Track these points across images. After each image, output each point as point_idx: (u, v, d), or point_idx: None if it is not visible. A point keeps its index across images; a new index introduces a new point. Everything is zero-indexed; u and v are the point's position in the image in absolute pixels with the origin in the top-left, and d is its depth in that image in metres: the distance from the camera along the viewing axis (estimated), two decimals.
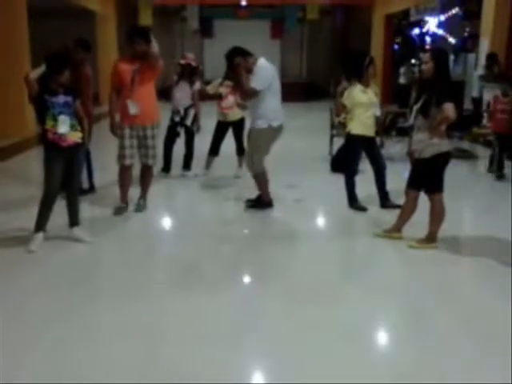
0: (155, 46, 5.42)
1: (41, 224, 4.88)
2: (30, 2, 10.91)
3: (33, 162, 8.82)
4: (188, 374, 3.03)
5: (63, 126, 4.70)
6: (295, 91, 17.45)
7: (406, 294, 4.16)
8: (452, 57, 13.40)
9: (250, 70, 5.69)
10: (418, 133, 4.80)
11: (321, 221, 6.16)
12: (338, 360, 3.20)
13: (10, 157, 9.15)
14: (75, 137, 4.81)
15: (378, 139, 6.18)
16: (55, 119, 4.68)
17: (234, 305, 3.89)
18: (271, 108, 5.73)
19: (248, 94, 5.77)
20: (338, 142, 7.63)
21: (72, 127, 4.77)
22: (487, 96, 9.28)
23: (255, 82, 5.62)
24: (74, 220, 5.08)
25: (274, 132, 5.83)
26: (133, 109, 5.52)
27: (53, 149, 4.75)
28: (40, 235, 4.88)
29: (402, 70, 15.56)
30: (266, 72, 5.70)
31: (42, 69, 4.70)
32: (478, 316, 3.73)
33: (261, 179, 5.99)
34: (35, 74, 4.71)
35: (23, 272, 4.44)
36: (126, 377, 3.01)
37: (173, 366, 3.13)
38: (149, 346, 3.32)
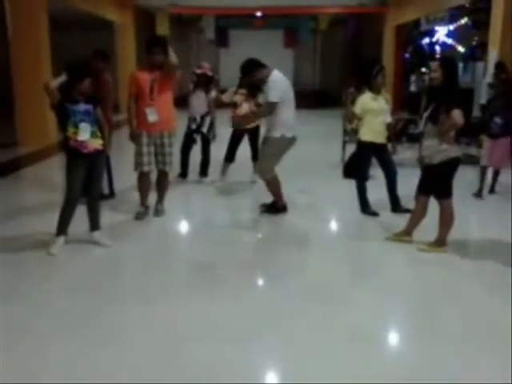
0: (173, 56, 5.55)
1: (62, 228, 5.01)
2: (52, 13, 11.18)
3: (54, 168, 9.02)
4: (205, 375, 3.11)
5: (84, 134, 4.82)
6: (308, 99, 17.55)
7: (415, 296, 4.25)
8: (461, 65, 13.45)
9: (263, 81, 5.85)
10: (427, 139, 4.88)
11: (333, 225, 6.27)
12: (349, 360, 3.27)
13: (33, 163, 9.37)
14: (96, 144, 4.93)
15: (389, 145, 6.25)
16: (76, 127, 4.80)
17: (249, 306, 3.99)
18: (285, 118, 5.87)
19: (268, 109, 5.90)
20: (351, 149, 7.74)
21: (92, 134, 4.88)
22: None
23: (270, 96, 5.77)
24: (94, 224, 5.20)
25: (287, 142, 5.97)
26: (152, 117, 5.65)
27: (74, 155, 4.87)
28: (61, 239, 5.00)
29: (413, 78, 15.63)
30: (279, 85, 5.84)
31: (62, 78, 4.82)
32: (486, 318, 3.80)
33: (273, 185, 6.13)
34: (55, 82, 4.83)
35: (45, 274, 4.59)
36: (144, 376, 3.09)
37: (190, 366, 3.21)
38: (167, 347, 3.41)
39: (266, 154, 6.07)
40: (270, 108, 5.84)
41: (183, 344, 3.47)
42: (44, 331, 3.61)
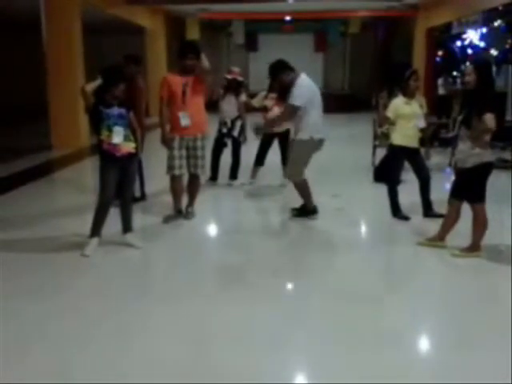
0: (205, 61, 5.62)
1: (96, 230, 5.08)
2: (84, 19, 11.39)
3: (87, 171, 9.20)
4: (231, 376, 3.13)
5: (117, 137, 4.89)
6: (338, 103, 17.55)
7: (448, 301, 4.21)
8: (494, 69, 13.23)
9: (290, 84, 5.86)
10: (461, 143, 4.84)
11: (364, 229, 6.24)
12: (377, 364, 3.26)
13: (66, 166, 9.55)
14: (129, 147, 4.99)
15: (423, 150, 6.17)
16: (110, 130, 4.87)
17: (277, 309, 3.99)
18: (313, 121, 5.86)
19: (289, 112, 5.92)
20: (381, 153, 7.70)
21: (126, 138, 4.94)
22: None
23: (294, 100, 5.76)
24: (126, 226, 5.27)
25: (316, 144, 5.96)
26: (184, 121, 5.70)
27: (107, 158, 4.94)
28: (95, 240, 5.08)
29: (440, 81, 15.37)
30: (304, 89, 5.82)
31: (97, 82, 4.90)
32: None
33: (302, 188, 6.12)
34: (91, 86, 4.91)
35: (79, 274, 4.67)
36: (170, 377, 3.12)
37: (216, 367, 3.23)
38: (194, 348, 3.45)
39: (295, 156, 6.05)
40: (291, 111, 5.83)
41: (209, 345, 3.51)
42: (76, 329, 3.68)
